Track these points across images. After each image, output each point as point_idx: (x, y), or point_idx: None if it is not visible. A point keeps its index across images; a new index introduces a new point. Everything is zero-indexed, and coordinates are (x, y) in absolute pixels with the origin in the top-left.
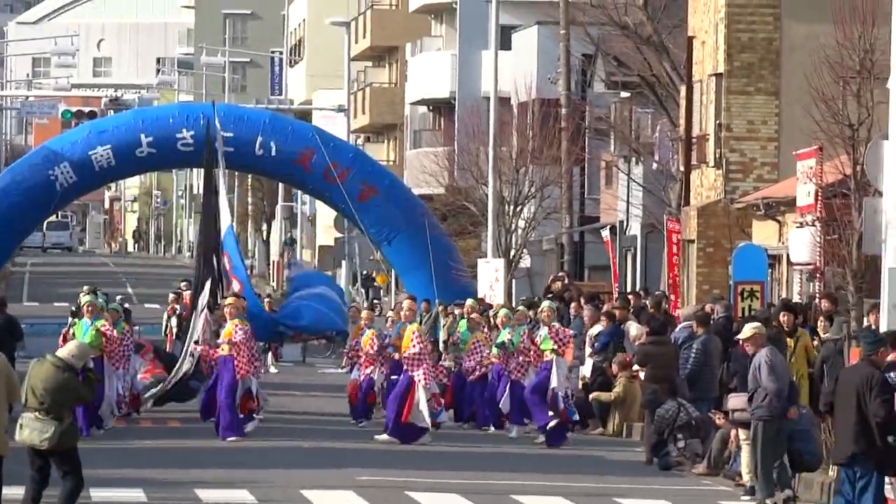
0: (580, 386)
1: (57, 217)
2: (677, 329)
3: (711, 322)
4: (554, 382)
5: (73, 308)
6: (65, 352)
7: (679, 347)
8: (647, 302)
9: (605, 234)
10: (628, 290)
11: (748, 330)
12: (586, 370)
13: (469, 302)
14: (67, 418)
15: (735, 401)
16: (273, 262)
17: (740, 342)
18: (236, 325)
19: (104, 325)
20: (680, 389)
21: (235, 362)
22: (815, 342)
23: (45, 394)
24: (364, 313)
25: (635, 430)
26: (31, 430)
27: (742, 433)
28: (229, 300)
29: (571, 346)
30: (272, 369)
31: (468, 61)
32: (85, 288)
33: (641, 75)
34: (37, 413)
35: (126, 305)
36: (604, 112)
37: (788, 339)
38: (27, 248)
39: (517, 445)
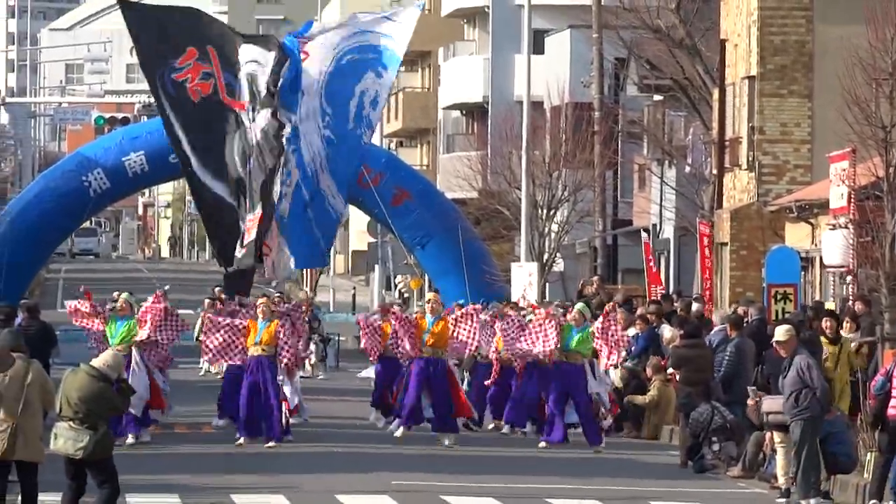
0: (613, 389)
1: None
2: (713, 332)
3: (745, 325)
4: (595, 386)
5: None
6: (99, 361)
7: (714, 350)
8: (678, 305)
9: (645, 236)
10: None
11: (783, 333)
12: (618, 374)
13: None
14: (102, 428)
15: (770, 403)
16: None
17: (774, 345)
18: (278, 325)
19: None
20: (714, 392)
21: (285, 359)
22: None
23: (80, 403)
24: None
25: (670, 434)
26: (66, 439)
27: (777, 436)
28: (261, 300)
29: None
30: (320, 375)
31: (501, 65)
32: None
33: (674, 78)
34: (71, 422)
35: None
36: (637, 115)
37: (832, 346)
38: (55, 254)
39: (551, 449)
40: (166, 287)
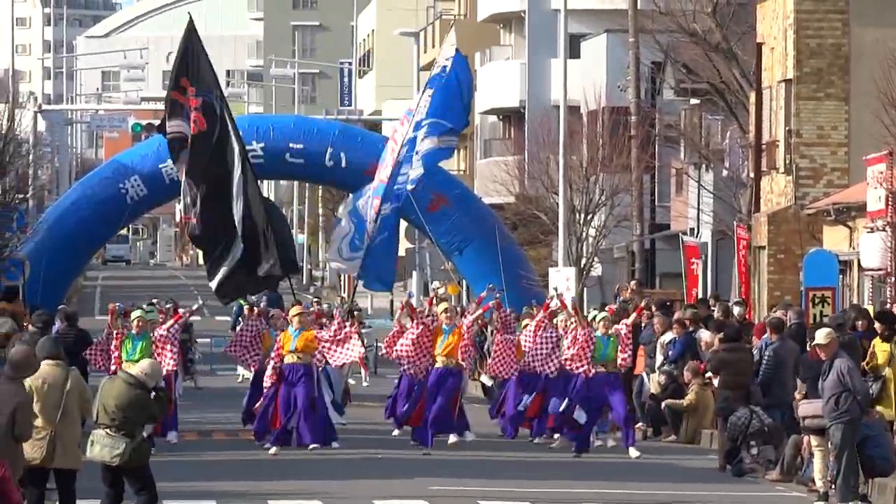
0: (649, 395)
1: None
2: (764, 337)
3: (786, 329)
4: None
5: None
6: (137, 369)
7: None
8: (715, 309)
9: (690, 239)
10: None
11: (824, 336)
12: (655, 379)
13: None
14: (139, 435)
15: (807, 407)
16: (347, 274)
17: (810, 349)
18: (317, 332)
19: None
20: (754, 397)
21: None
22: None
23: (117, 411)
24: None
25: (708, 438)
26: (102, 446)
27: (815, 439)
28: (295, 311)
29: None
30: (364, 382)
31: (537, 70)
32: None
33: (711, 82)
34: (108, 430)
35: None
36: (673, 119)
37: (887, 345)
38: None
39: (588, 454)
40: (200, 303)
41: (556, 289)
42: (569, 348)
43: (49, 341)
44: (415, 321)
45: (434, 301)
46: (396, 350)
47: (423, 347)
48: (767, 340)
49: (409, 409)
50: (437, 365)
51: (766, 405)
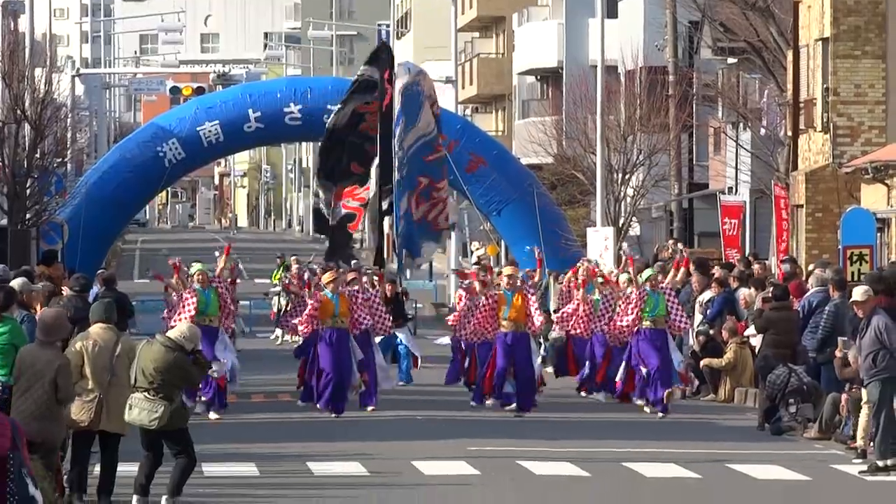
0: (690, 353)
1: None
2: (810, 293)
3: (846, 285)
4: (678, 354)
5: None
6: (176, 332)
7: (812, 312)
8: (756, 268)
9: (729, 198)
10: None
11: (861, 293)
12: (693, 337)
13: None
14: (177, 398)
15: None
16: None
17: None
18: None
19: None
20: (801, 356)
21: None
22: None
23: (156, 374)
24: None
25: (745, 396)
26: (141, 409)
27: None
28: (327, 277)
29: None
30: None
31: (575, 30)
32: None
33: (748, 41)
34: (146, 393)
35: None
36: (711, 78)
37: None
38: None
39: (628, 412)
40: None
41: (589, 260)
42: (624, 314)
43: (102, 305)
44: (481, 295)
45: (478, 273)
46: (466, 332)
47: (490, 319)
48: (812, 298)
49: (482, 376)
50: (503, 330)
51: (822, 361)
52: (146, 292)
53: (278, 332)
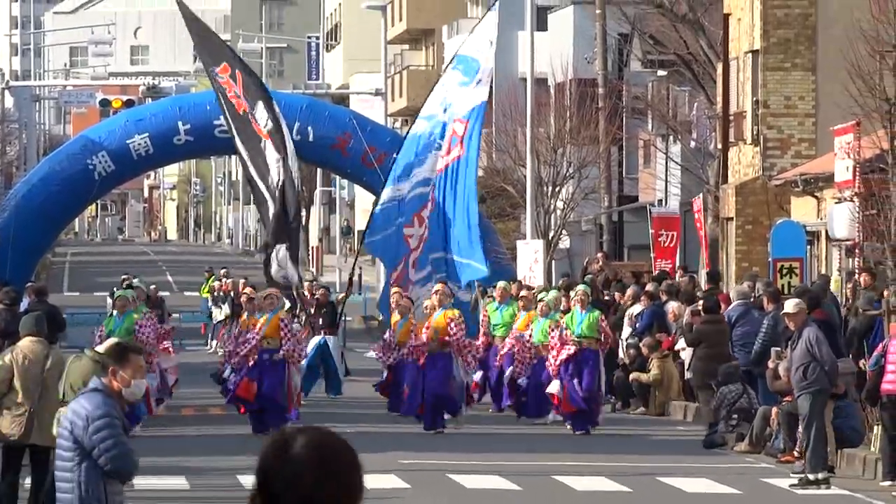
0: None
1: None
2: (731, 307)
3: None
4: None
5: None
6: (104, 347)
7: (732, 326)
8: (683, 280)
9: (662, 210)
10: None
11: (793, 306)
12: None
13: (501, 284)
14: None
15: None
16: (312, 247)
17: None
18: (280, 319)
19: (137, 322)
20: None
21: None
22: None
23: (83, 388)
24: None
25: (677, 410)
26: None
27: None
28: (266, 292)
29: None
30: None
31: (504, 42)
32: (122, 278)
33: (678, 53)
34: None
35: (160, 294)
36: (641, 91)
37: None
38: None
39: (559, 427)
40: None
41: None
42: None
43: (32, 318)
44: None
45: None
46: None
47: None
48: (732, 312)
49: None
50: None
51: (760, 374)
52: (76, 305)
53: (212, 343)
